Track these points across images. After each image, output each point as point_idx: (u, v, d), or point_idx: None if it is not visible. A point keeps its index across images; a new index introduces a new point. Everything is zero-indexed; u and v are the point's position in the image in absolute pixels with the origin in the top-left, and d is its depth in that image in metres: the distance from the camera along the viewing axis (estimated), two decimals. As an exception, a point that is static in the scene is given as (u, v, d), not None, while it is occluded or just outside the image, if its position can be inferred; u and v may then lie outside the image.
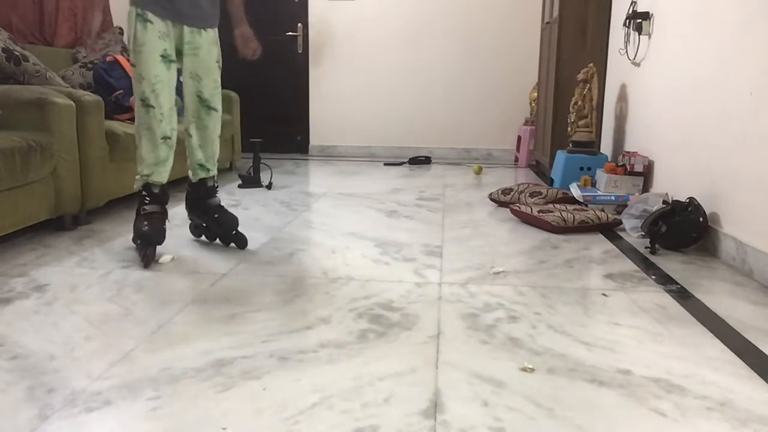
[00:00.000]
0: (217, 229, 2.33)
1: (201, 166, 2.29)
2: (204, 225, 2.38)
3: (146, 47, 2.01)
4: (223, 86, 4.99)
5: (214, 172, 2.34)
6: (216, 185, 2.35)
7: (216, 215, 2.29)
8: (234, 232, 2.32)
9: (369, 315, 1.64)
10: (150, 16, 2.00)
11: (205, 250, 2.28)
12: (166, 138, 2.12)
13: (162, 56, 2.03)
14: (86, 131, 2.57)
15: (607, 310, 1.71)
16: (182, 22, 2.09)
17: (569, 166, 3.64)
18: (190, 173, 2.33)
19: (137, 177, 2.17)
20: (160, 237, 2.13)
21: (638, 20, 3.25)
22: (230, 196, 3.37)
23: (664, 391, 1.24)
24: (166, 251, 2.19)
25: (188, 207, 2.38)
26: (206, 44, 2.15)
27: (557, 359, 1.38)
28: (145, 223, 2.11)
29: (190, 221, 2.44)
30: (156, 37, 2.01)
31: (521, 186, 3.33)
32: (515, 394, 1.22)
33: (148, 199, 2.17)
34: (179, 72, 2.15)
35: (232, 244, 2.34)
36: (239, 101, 4.52)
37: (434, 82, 5.37)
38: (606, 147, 3.97)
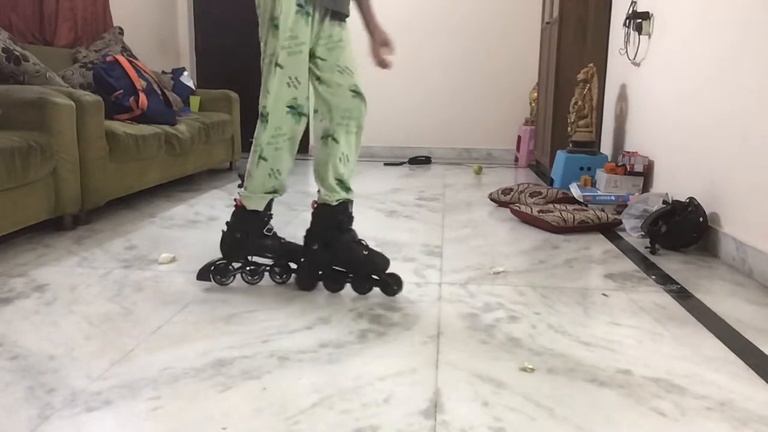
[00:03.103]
0: (363, 269, 1.78)
1: (340, 182, 1.82)
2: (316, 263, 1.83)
3: (305, 47, 1.70)
4: (223, 86, 4.96)
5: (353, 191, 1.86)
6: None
7: (366, 252, 1.78)
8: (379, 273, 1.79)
9: (369, 315, 1.64)
10: (309, 8, 1.69)
11: (205, 250, 2.28)
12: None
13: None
14: (86, 131, 2.57)
15: (607, 310, 1.71)
16: (336, 12, 1.77)
17: (569, 166, 3.64)
18: (323, 193, 1.83)
19: (259, 195, 1.79)
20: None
21: (638, 20, 3.24)
22: (230, 196, 3.37)
23: (664, 391, 1.24)
24: (166, 251, 2.18)
25: (314, 239, 1.83)
26: (347, 36, 1.83)
27: (557, 359, 1.38)
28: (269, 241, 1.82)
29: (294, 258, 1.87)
30: (312, 34, 1.72)
31: (521, 186, 3.33)
32: (515, 394, 1.22)
33: (268, 212, 1.84)
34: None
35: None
36: (239, 101, 4.52)
37: (434, 82, 5.37)
38: (606, 147, 3.97)
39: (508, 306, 1.72)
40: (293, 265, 1.84)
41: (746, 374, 1.33)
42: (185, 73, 4.38)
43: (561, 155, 3.76)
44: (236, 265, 1.83)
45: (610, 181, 3.22)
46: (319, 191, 1.84)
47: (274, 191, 1.82)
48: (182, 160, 3.49)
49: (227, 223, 1.83)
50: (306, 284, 1.82)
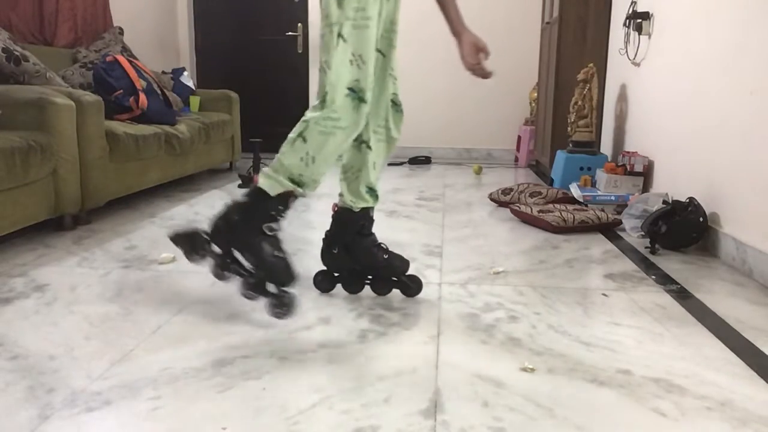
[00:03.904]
0: (382, 272, 1.75)
1: (371, 190, 1.71)
2: (341, 271, 1.78)
3: (373, 22, 1.49)
4: (223, 86, 4.96)
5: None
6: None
7: (386, 256, 1.73)
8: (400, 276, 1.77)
9: (369, 315, 1.64)
10: None
11: (205, 250, 2.28)
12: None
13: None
14: (86, 131, 2.57)
15: (607, 310, 1.71)
16: None
17: (569, 166, 3.64)
18: (348, 199, 1.71)
19: (279, 178, 1.53)
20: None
21: (638, 20, 3.24)
22: (230, 196, 3.37)
23: (664, 391, 1.24)
24: (165, 251, 2.18)
25: (335, 242, 1.74)
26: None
27: (557, 359, 1.38)
28: (274, 253, 1.56)
29: (324, 270, 1.79)
30: (382, 14, 1.53)
31: (521, 186, 3.33)
32: (515, 394, 1.22)
33: (282, 210, 1.58)
34: None
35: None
36: (239, 101, 4.52)
37: (434, 82, 5.37)
38: (606, 147, 3.97)
39: (508, 306, 1.72)
40: (271, 288, 1.56)
41: (746, 374, 1.33)
42: (185, 73, 4.38)
43: (561, 155, 3.76)
44: (216, 249, 1.57)
45: (610, 181, 3.22)
46: (341, 195, 1.73)
47: (299, 183, 1.54)
48: (182, 160, 3.49)
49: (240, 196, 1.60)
50: (325, 287, 1.79)
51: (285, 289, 1.56)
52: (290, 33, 5.42)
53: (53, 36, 3.62)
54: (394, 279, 1.76)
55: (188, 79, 4.36)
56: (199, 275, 1.96)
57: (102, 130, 2.69)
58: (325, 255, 1.76)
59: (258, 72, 5.48)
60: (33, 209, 2.30)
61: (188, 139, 3.46)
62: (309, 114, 1.52)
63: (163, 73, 4.32)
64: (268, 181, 1.53)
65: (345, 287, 1.78)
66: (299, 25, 5.39)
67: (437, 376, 1.29)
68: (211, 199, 3.30)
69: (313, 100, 6.08)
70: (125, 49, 3.93)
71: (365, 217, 1.72)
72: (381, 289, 1.77)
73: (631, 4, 3.42)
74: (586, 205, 3.01)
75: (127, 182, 2.92)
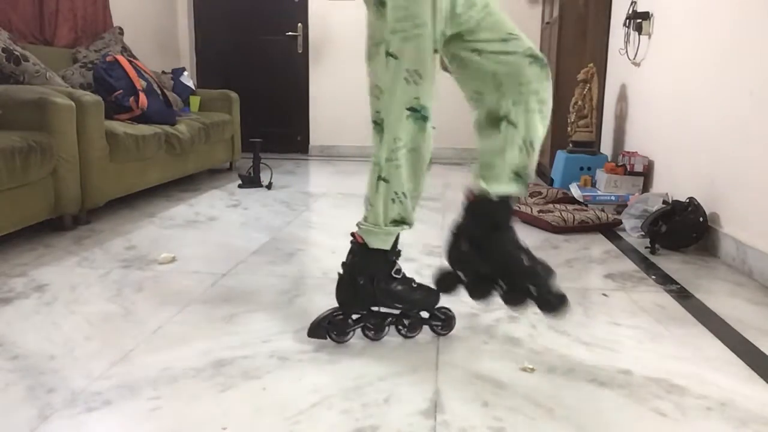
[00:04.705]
0: (519, 280, 1.42)
1: (517, 175, 1.39)
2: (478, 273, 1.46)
3: (426, 28, 1.28)
4: (223, 86, 4.96)
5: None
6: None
7: (528, 262, 1.43)
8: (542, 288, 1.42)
9: (369, 315, 1.63)
10: None
11: (205, 250, 2.28)
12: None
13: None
14: (86, 131, 2.57)
15: (607, 310, 1.71)
16: None
17: (569, 166, 3.63)
18: (483, 183, 1.40)
19: (384, 229, 1.41)
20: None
21: (638, 20, 3.24)
22: (230, 196, 3.37)
23: (664, 391, 1.24)
24: (166, 251, 2.18)
25: (464, 236, 1.45)
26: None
27: (557, 359, 1.38)
28: (418, 291, 1.48)
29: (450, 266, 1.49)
30: (440, 10, 1.29)
31: (521, 186, 3.32)
32: (515, 394, 1.22)
33: (398, 254, 1.48)
34: None
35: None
36: (239, 101, 4.52)
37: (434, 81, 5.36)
38: (606, 147, 3.96)
39: (508, 306, 1.72)
40: (425, 314, 1.49)
41: (746, 374, 1.33)
42: (185, 73, 4.38)
43: (561, 155, 3.76)
44: (355, 316, 1.47)
45: (610, 181, 3.22)
46: (480, 178, 1.40)
47: (402, 221, 1.42)
48: (182, 160, 3.49)
49: (344, 264, 1.45)
50: (445, 287, 1.50)
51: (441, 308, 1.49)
52: (290, 33, 5.42)
53: (53, 36, 3.62)
54: (532, 289, 1.40)
55: (188, 79, 4.36)
56: (199, 275, 1.96)
57: (102, 130, 2.69)
58: (452, 251, 1.46)
59: (258, 72, 5.48)
60: (33, 209, 2.30)
61: (188, 139, 3.46)
62: (376, 153, 1.39)
63: (163, 73, 4.32)
64: (377, 237, 1.41)
65: (470, 292, 1.47)
66: (299, 25, 5.39)
67: (437, 376, 1.29)
68: (211, 199, 3.30)
69: (313, 99, 5.97)
70: (125, 49, 3.93)
71: (504, 209, 1.42)
72: (514, 300, 1.41)
73: (631, 4, 3.42)
74: (586, 205, 3.01)
75: (127, 182, 2.92)
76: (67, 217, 2.52)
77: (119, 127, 2.87)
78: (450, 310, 1.52)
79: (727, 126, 2.28)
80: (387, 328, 1.48)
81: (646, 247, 2.36)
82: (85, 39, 3.82)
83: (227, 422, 1.10)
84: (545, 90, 1.36)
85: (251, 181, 3.69)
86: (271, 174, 3.80)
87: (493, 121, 1.39)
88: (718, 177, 2.34)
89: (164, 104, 3.45)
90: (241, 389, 1.22)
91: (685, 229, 2.33)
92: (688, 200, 2.38)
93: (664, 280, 1.99)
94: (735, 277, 2.05)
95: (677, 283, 1.96)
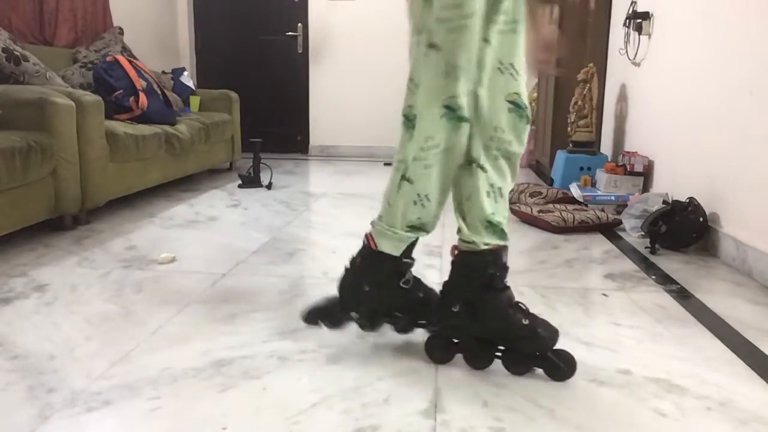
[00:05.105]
0: (520, 344, 1.30)
1: (490, 224, 1.31)
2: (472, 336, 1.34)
3: (474, 20, 1.18)
4: (223, 86, 4.95)
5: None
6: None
7: (526, 321, 1.29)
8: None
9: (369, 315, 1.63)
10: None
11: (206, 250, 2.28)
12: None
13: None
14: (86, 131, 2.57)
15: (607, 310, 1.71)
16: None
17: (569, 166, 3.64)
18: (467, 235, 1.32)
19: (399, 233, 1.31)
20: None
21: (638, 20, 3.24)
22: (230, 196, 3.37)
23: (664, 391, 1.24)
24: (166, 251, 2.18)
25: (455, 296, 1.33)
26: (522, 15, 1.27)
27: (557, 359, 1.38)
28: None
29: (433, 329, 1.39)
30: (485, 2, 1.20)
31: (521, 186, 3.33)
32: (515, 394, 1.22)
33: (410, 263, 1.37)
34: None
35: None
36: (239, 101, 4.52)
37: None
38: (606, 147, 3.96)
39: (508, 306, 1.72)
40: (421, 322, 1.41)
41: (746, 374, 1.33)
42: (185, 73, 4.38)
43: (561, 155, 3.76)
44: (353, 314, 1.41)
45: (610, 181, 3.22)
46: (459, 231, 1.33)
47: (420, 227, 1.31)
48: (182, 160, 3.49)
49: (351, 261, 1.38)
50: (440, 357, 1.36)
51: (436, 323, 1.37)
52: (290, 33, 5.42)
53: (53, 36, 3.62)
54: (536, 354, 1.30)
55: (188, 79, 4.36)
56: (199, 275, 1.96)
57: (102, 130, 2.69)
58: (442, 313, 1.34)
59: (258, 72, 5.48)
60: (33, 209, 2.30)
61: (188, 139, 3.46)
62: (402, 150, 1.28)
63: (163, 73, 4.32)
64: (389, 241, 1.31)
65: (467, 359, 1.34)
66: (299, 25, 5.39)
67: (437, 376, 1.29)
68: (211, 199, 3.30)
69: (313, 100, 5.95)
70: (125, 49, 3.93)
71: (495, 263, 1.30)
72: (516, 367, 1.31)
73: (631, 4, 3.42)
74: (586, 205, 3.01)
75: (127, 182, 2.92)
76: (67, 217, 2.52)
77: (119, 127, 2.87)
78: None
79: (727, 126, 2.28)
80: (381, 323, 1.42)
81: (646, 247, 2.36)
82: (85, 39, 3.82)
83: (227, 422, 1.10)
84: (516, 143, 1.29)
85: (251, 181, 3.69)
86: (271, 174, 3.80)
87: (467, 162, 1.30)
88: (718, 177, 2.34)
89: (164, 104, 3.45)
90: (241, 389, 1.22)
91: (685, 229, 2.33)
92: (688, 200, 2.38)
93: (664, 280, 1.99)
94: (735, 277, 2.05)
95: (677, 283, 1.96)
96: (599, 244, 2.46)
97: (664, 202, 2.50)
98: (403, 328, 1.44)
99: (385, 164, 4.95)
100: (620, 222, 2.71)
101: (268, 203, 3.21)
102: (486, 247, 1.29)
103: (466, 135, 1.25)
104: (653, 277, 2.02)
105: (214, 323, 1.57)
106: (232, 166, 4.52)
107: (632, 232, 2.60)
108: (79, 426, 1.09)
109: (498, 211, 1.31)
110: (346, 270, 1.40)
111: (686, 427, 1.11)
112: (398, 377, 1.28)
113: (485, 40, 1.22)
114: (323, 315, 1.43)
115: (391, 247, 1.32)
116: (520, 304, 1.31)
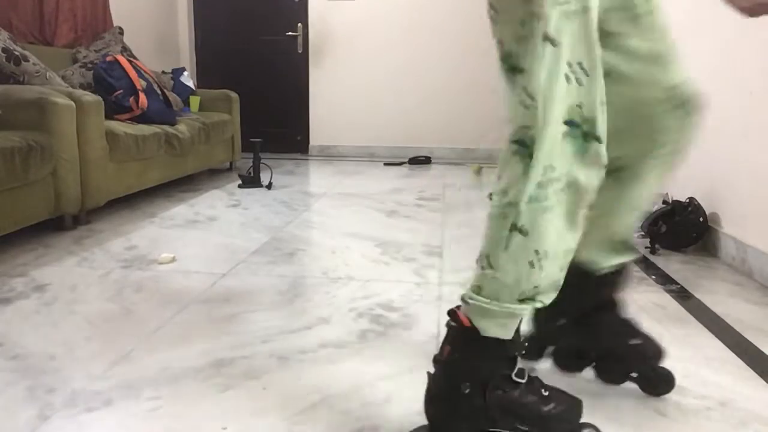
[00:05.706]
0: (625, 358, 1.21)
1: (623, 243, 1.17)
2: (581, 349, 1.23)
3: (592, 13, 0.87)
4: (223, 86, 4.94)
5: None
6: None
7: (636, 340, 1.19)
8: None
9: (369, 315, 1.64)
10: None
11: (206, 250, 2.28)
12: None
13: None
14: (86, 131, 2.57)
15: (607, 310, 1.71)
16: None
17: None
18: (589, 256, 1.14)
19: (506, 307, 0.94)
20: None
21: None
22: (230, 197, 3.38)
23: (664, 391, 1.24)
24: (166, 251, 2.18)
25: (561, 312, 1.16)
26: None
27: (557, 359, 1.38)
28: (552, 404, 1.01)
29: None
30: None
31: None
32: (515, 394, 1.21)
33: (522, 345, 1.03)
34: None
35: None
36: (239, 101, 4.52)
37: (434, 81, 5.37)
38: (606, 147, 3.96)
39: (508, 306, 1.72)
40: None
41: (746, 374, 1.33)
42: (185, 73, 4.38)
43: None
44: None
45: (610, 181, 3.22)
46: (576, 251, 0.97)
47: (534, 297, 0.94)
48: (182, 160, 3.49)
49: (437, 359, 1.02)
50: (530, 355, 1.26)
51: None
52: (290, 33, 5.42)
53: (53, 36, 3.62)
54: (635, 370, 1.21)
55: (188, 79, 4.36)
56: (199, 275, 1.96)
57: (102, 130, 2.69)
58: (545, 325, 1.20)
59: (258, 72, 5.48)
60: (33, 209, 2.30)
61: (188, 139, 3.46)
62: (512, 181, 0.92)
63: (163, 73, 4.32)
64: (495, 321, 0.95)
65: (557, 360, 1.25)
66: (299, 25, 5.39)
67: (437, 376, 1.29)
68: (211, 199, 3.30)
69: (313, 100, 5.96)
70: (125, 49, 3.93)
71: (615, 281, 1.15)
72: (614, 378, 1.23)
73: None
74: (586, 205, 3.01)
75: (127, 182, 2.92)
76: (67, 217, 2.52)
77: (119, 127, 2.87)
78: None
79: (728, 126, 2.28)
80: None
81: (646, 247, 2.36)
82: (85, 39, 3.82)
83: (227, 422, 1.10)
84: (682, 142, 1.05)
85: (251, 181, 3.69)
86: (271, 174, 3.80)
87: (612, 171, 1.02)
88: (718, 177, 2.34)
89: (164, 104, 3.45)
90: (241, 389, 1.22)
91: (685, 229, 2.33)
92: (688, 200, 2.38)
93: (664, 280, 1.99)
94: (735, 277, 2.05)
95: (677, 283, 1.96)
96: (599, 244, 2.46)
97: (664, 202, 2.50)
98: None
99: (385, 164, 4.95)
100: (620, 222, 2.71)
101: (268, 203, 3.21)
102: (606, 271, 1.16)
103: (603, 157, 0.90)
104: (653, 277, 2.02)
105: (214, 323, 1.57)
106: (232, 166, 4.52)
107: (632, 232, 2.60)
108: (79, 426, 1.09)
109: (636, 223, 1.20)
110: (431, 378, 1.02)
111: (686, 427, 1.11)
112: (398, 377, 1.28)
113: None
114: None
115: (499, 328, 0.95)
116: (631, 321, 1.20)
